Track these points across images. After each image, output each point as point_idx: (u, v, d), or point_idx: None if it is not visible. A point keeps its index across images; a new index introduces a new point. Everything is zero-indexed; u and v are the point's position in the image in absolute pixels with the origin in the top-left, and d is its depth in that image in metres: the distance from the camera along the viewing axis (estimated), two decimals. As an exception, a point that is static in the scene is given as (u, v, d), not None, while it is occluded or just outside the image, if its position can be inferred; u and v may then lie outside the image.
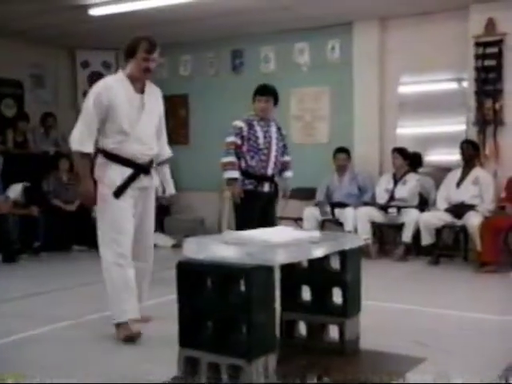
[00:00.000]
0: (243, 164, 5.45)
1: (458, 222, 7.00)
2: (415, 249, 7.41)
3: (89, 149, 4.02)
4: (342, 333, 3.59)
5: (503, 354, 3.66)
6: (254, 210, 5.43)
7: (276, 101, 5.56)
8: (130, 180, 4.06)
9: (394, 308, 4.91)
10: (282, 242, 3.17)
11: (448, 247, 7.36)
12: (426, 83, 8.03)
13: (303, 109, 8.71)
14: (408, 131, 8.10)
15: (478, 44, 7.34)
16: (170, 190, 4.50)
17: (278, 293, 3.38)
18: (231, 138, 5.43)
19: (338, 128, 8.50)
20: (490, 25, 7.26)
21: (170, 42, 9.20)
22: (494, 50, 7.27)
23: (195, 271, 3.08)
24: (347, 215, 7.52)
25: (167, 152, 4.44)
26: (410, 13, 7.79)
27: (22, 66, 9.41)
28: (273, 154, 5.50)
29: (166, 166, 4.46)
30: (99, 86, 4.07)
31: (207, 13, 7.71)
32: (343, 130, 8.39)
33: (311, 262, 3.63)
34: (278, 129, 5.63)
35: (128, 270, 4.06)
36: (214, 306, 3.01)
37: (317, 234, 3.59)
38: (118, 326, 4.01)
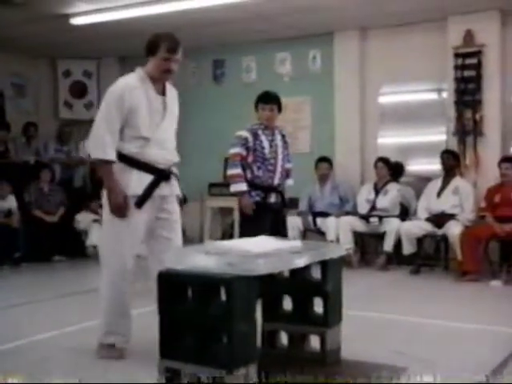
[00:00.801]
0: (249, 175, 5.31)
1: (439, 232, 7.05)
2: (396, 258, 7.44)
3: (112, 156, 3.63)
4: (323, 343, 3.59)
5: (485, 363, 3.68)
6: (264, 222, 5.26)
7: (279, 108, 5.45)
8: (152, 187, 3.73)
9: (376, 317, 4.92)
10: (263, 251, 3.17)
11: (429, 256, 7.40)
12: (406, 93, 8.10)
13: (285, 119, 8.65)
14: (389, 141, 8.16)
15: (457, 55, 7.44)
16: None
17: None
18: (236, 149, 5.29)
19: (319, 138, 8.53)
20: (468, 36, 7.35)
21: (151, 52, 9.22)
22: (473, 60, 7.36)
23: (176, 281, 3.07)
24: (329, 225, 7.54)
25: (176, 156, 4.05)
26: (391, 24, 7.87)
27: (3, 75, 9.37)
28: (279, 163, 5.40)
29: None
30: (120, 85, 3.70)
31: (189, 23, 7.72)
32: (324, 139, 8.42)
33: (292, 271, 3.63)
34: (283, 136, 5.52)
35: (127, 294, 3.81)
36: (194, 316, 3.00)
37: (298, 243, 3.60)
38: (102, 345, 3.81)
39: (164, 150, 3.83)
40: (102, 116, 3.66)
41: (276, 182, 5.40)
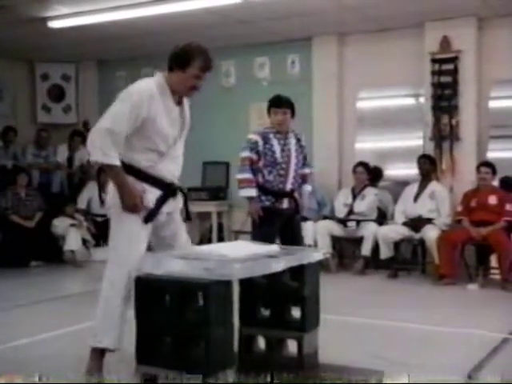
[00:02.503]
0: (260, 179, 5.18)
1: (416, 236, 7.09)
2: (374, 262, 7.46)
3: (116, 160, 3.33)
4: (300, 347, 3.59)
5: (461, 365, 3.72)
6: (273, 228, 5.18)
7: (293, 112, 5.30)
8: (162, 203, 3.52)
9: (353, 322, 4.94)
10: (241, 256, 3.18)
11: (406, 261, 7.44)
12: (384, 99, 8.15)
13: (263, 124, 8.69)
14: (366, 146, 8.19)
15: (434, 61, 7.50)
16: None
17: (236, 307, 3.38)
18: (246, 153, 5.17)
19: (298, 142, 8.54)
20: (445, 42, 7.42)
21: (130, 56, 9.20)
22: (450, 66, 7.43)
23: (153, 287, 3.07)
24: (307, 229, 7.53)
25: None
26: (369, 29, 7.92)
27: (-20, 79, 9.30)
28: (292, 168, 5.21)
29: None
30: (141, 90, 3.41)
31: (167, 27, 7.71)
32: (303, 144, 8.43)
33: (270, 276, 3.63)
34: (298, 140, 5.34)
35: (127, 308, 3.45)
36: (171, 321, 3.00)
37: (276, 248, 3.61)
38: (94, 350, 3.50)
39: (174, 166, 3.61)
40: (112, 116, 3.36)
41: (288, 187, 5.23)
